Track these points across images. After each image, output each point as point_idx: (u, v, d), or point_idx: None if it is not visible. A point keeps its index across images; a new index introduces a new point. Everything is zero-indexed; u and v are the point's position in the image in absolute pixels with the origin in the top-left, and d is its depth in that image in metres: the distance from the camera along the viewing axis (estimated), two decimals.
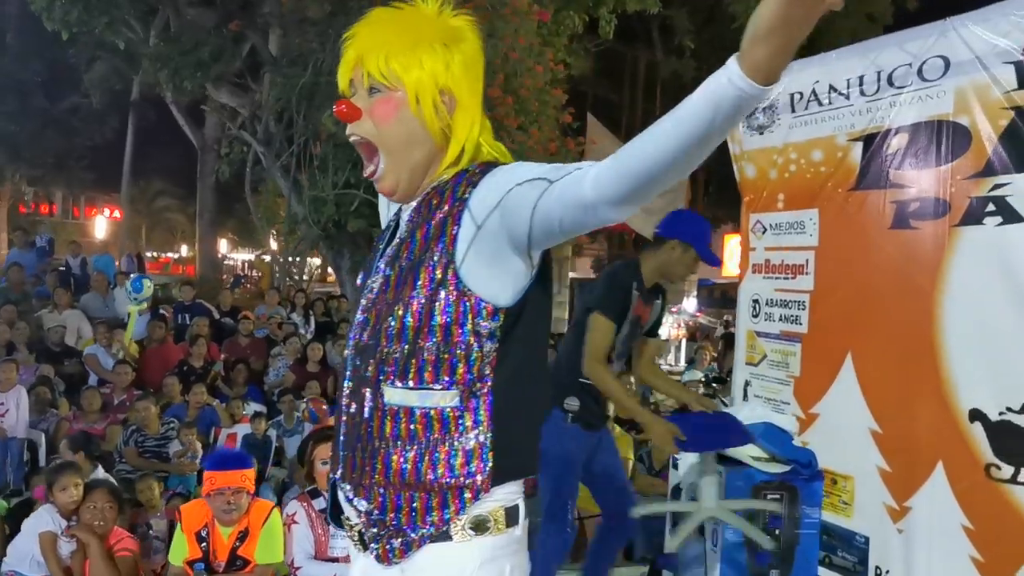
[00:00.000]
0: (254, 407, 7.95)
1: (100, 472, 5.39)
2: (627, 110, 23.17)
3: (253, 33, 12.39)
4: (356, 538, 1.73)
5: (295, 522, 4.46)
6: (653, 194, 1.42)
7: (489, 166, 1.66)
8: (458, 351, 1.60)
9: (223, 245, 28.84)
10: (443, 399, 1.61)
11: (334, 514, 1.83)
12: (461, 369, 1.60)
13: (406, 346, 1.60)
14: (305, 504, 4.50)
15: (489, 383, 1.62)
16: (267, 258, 20.38)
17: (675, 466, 4.03)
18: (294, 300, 11.83)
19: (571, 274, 17.05)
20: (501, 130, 9.85)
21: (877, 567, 3.58)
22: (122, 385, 7.89)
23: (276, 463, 7.26)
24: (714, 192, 22.51)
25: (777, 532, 3.70)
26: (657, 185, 1.39)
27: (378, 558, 1.67)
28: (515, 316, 1.61)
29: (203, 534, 4.16)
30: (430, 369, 1.60)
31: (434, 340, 1.59)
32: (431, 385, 1.60)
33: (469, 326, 1.59)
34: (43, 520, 4.26)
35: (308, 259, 18.79)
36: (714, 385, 7.18)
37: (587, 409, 3.83)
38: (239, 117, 13.19)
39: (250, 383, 8.69)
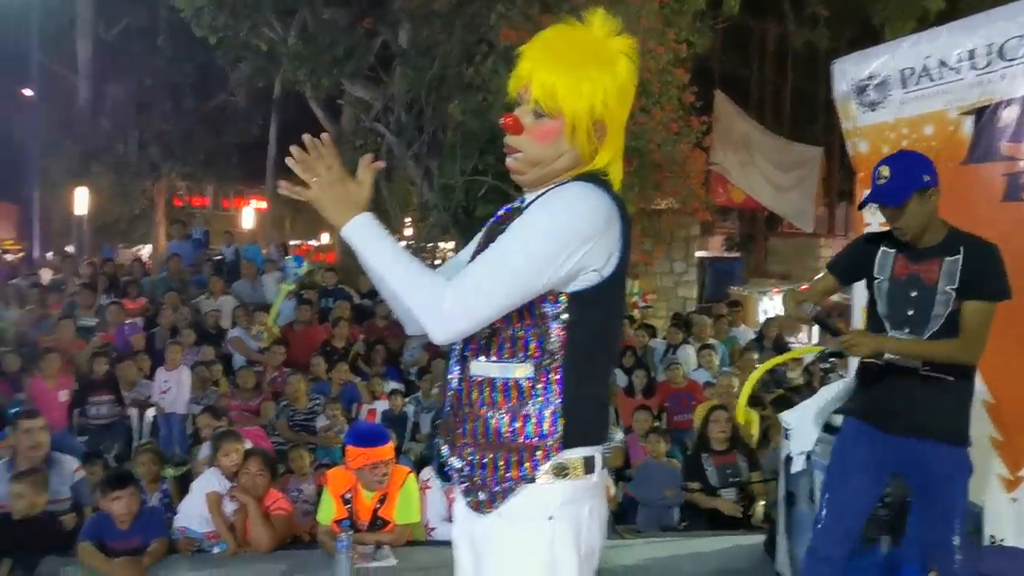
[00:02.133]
0: (392, 385, 8.44)
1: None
2: (756, 84, 22.69)
3: (384, 28, 12.91)
4: (457, 491, 2.02)
5: (429, 487, 4.83)
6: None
7: (562, 183, 1.90)
8: (530, 331, 1.85)
9: None
10: (519, 371, 1.87)
11: (441, 471, 2.12)
12: (533, 345, 1.86)
13: (488, 332, 1.88)
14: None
15: (559, 359, 1.86)
16: (402, 244, 21.09)
17: (787, 436, 4.14)
18: None
19: (699, 253, 16.94)
20: None
21: (991, 536, 3.62)
22: (274, 364, 8.51)
23: (412, 437, 7.72)
24: (848, 165, 21.77)
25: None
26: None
27: (471, 508, 1.95)
28: (579, 302, 1.85)
29: (348, 497, 4.57)
30: (508, 346, 1.87)
31: (509, 322, 1.85)
32: (508, 359, 1.87)
33: (537, 310, 1.84)
34: (209, 482, 4.77)
35: (440, 244, 19.36)
36: (831, 360, 7.16)
37: None
38: (372, 109, 13.76)
39: (387, 362, 9.18)
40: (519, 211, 1.94)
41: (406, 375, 9.11)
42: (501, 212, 2.10)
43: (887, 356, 3.05)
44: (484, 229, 2.10)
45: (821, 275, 3.47)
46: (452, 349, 2.01)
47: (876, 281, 3.21)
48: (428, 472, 4.94)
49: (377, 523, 4.58)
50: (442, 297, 1.74)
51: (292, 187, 1.89)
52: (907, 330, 3.10)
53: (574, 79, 1.83)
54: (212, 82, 21.24)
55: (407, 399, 8.07)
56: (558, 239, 1.77)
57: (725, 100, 16.56)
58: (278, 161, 25.23)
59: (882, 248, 3.22)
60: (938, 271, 3.06)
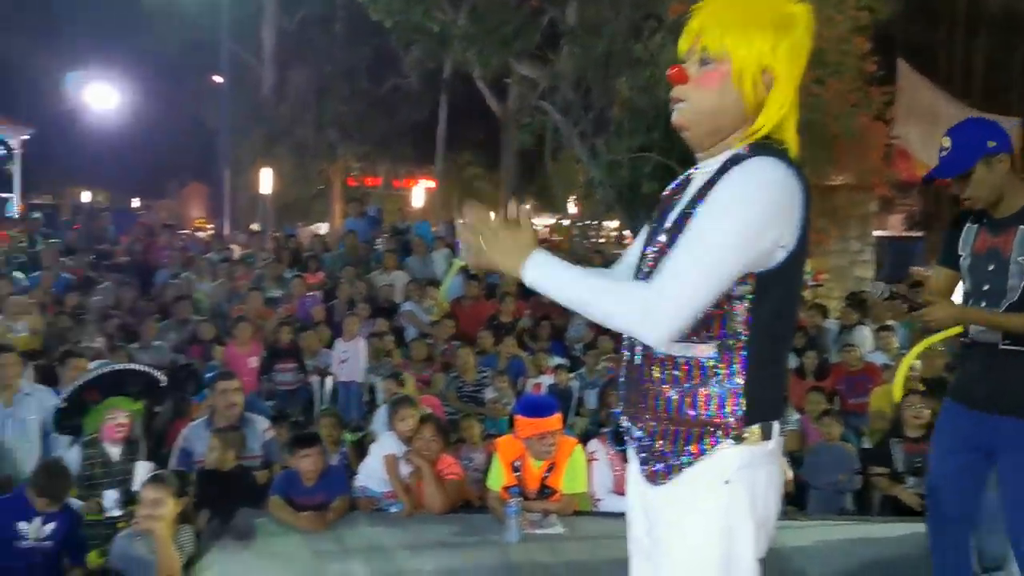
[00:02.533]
0: (557, 360, 8.54)
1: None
2: (945, 52, 21.30)
3: (551, 6, 12.98)
4: (634, 459, 2.05)
5: (595, 459, 4.88)
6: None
7: (742, 158, 1.86)
8: (714, 311, 1.84)
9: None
10: (702, 351, 1.87)
11: (618, 440, 2.16)
12: (717, 326, 1.85)
13: None
14: (604, 444, 4.90)
15: (743, 339, 1.85)
16: (566, 222, 21.21)
17: None
18: (592, 260, 12.35)
19: (876, 232, 16.13)
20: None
21: None
22: (443, 337, 8.79)
23: (576, 412, 7.80)
24: None
25: None
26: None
27: (647, 478, 1.97)
28: (764, 281, 1.83)
29: (517, 465, 4.69)
30: (690, 327, 1.84)
31: None
32: (692, 339, 1.87)
33: (723, 295, 1.82)
34: (387, 445, 5.01)
35: (605, 223, 19.32)
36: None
37: None
38: (539, 88, 13.88)
39: (553, 338, 9.30)
40: (696, 190, 1.92)
41: (571, 350, 9.19)
42: (668, 191, 2.09)
43: (971, 332, 3.00)
44: (656, 212, 2.08)
45: (932, 271, 3.38)
46: None
47: (961, 258, 3.13)
48: (594, 445, 4.99)
49: (544, 492, 4.67)
50: (644, 304, 1.76)
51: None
52: (983, 304, 3.01)
53: (743, 25, 1.84)
54: (386, 66, 22.00)
55: (572, 374, 8.14)
56: (754, 221, 1.76)
57: (909, 69, 15.59)
58: (447, 141, 25.94)
59: (967, 224, 3.12)
60: (1013, 241, 2.93)
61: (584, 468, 4.76)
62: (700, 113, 1.90)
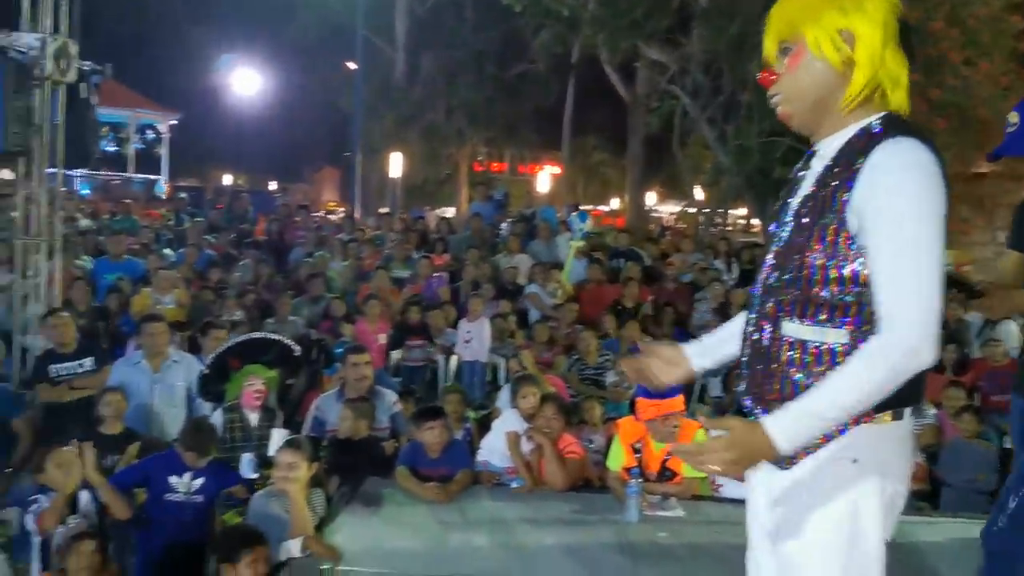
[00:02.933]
0: None
1: None
2: None
3: None
4: None
5: None
6: None
7: (879, 138, 1.82)
8: (849, 299, 1.82)
9: (651, 198, 30.05)
10: (835, 336, 1.85)
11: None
12: (853, 311, 1.83)
13: (800, 292, 1.87)
14: None
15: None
16: (692, 210, 20.89)
17: None
18: (717, 247, 12.14)
19: None
20: (943, 65, 9.17)
21: None
22: (567, 320, 8.83)
23: (699, 399, 7.71)
24: None
25: None
26: None
27: (773, 461, 1.91)
28: None
29: (637, 446, 4.69)
30: (825, 312, 1.84)
31: (828, 290, 1.84)
32: (824, 323, 1.85)
33: (860, 276, 1.81)
34: (509, 421, 5.09)
35: (733, 210, 18.95)
36: None
37: None
38: (668, 72, 13.70)
39: (676, 324, 9.20)
40: (823, 167, 1.92)
41: (695, 337, 9.07)
42: (794, 171, 2.07)
43: None
44: (783, 192, 2.06)
45: (1005, 255, 3.21)
46: (754, 303, 2.02)
47: None
48: (717, 432, 4.94)
49: (665, 474, 4.65)
50: (891, 353, 1.73)
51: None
52: None
53: (805, 4, 1.88)
54: (514, 51, 22.11)
55: None
56: (939, 207, 1.76)
57: None
58: (573, 126, 25.93)
59: None
60: None
61: None
62: (795, 95, 1.92)
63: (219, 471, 4.79)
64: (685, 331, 9.26)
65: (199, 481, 4.63)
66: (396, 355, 8.50)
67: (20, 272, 6.97)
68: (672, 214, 27.84)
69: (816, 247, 1.85)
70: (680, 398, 4.63)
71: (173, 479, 4.60)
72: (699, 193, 20.94)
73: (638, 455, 4.68)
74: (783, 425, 1.76)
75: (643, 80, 18.41)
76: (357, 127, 21.53)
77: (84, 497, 4.42)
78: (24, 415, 6.00)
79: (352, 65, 22.53)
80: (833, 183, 1.85)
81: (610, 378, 7.55)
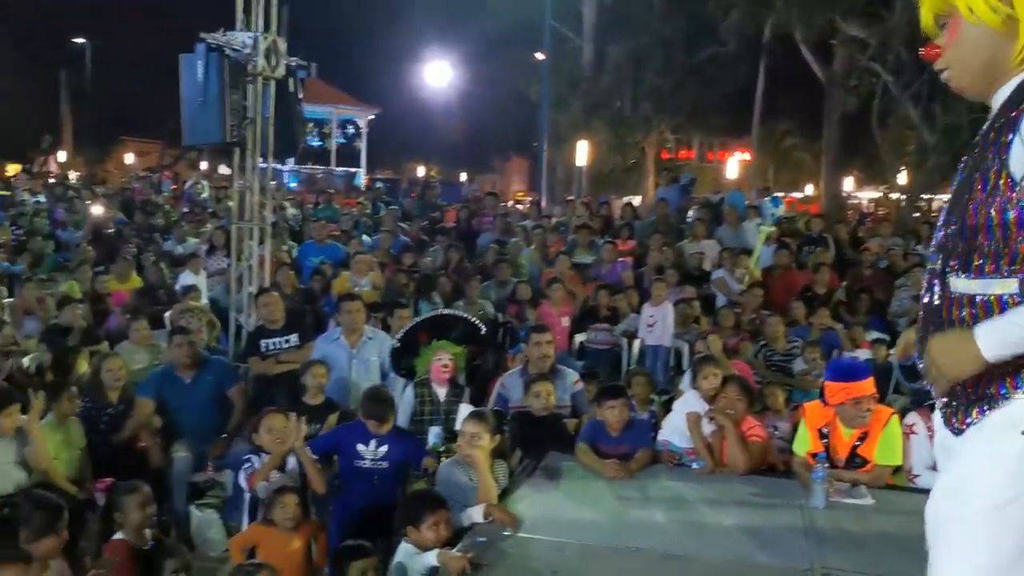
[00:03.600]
0: (875, 334, 8.06)
1: None
2: None
3: None
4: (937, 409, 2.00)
5: (914, 432, 4.59)
6: None
7: None
8: (1017, 246, 1.74)
9: (847, 183, 28.61)
10: (1002, 287, 1.78)
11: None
12: (1020, 260, 1.75)
13: (965, 243, 1.82)
14: (924, 417, 4.59)
15: None
16: (894, 195, 19.77)
17: None
18: (920, 232, 11.46)
19: None
20: None
21: None
22: (752, 306, 8.62)
23: (896, 390, 7.32)
24: None
25: None
26: None
27: (947, 426, 1.93)
28: None
29: (825, 431, 4.53)
30: (990, 262, 1.78)
31: (992, 238, 1.77)
32: (990, 275, 1.78)
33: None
34: (690, 402, 5.05)
35: (938, 195, 17.79)
36: None
37: None
38: (868, 48, 13.03)
39: (872, 312, 8.79)
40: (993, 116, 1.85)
41: (893, 325, 8.63)
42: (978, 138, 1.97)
43: None
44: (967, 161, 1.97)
45: None
46: (927, 265, 2.00)
47: None
48: (913, 417, 4.70)
49: (855, 461, 4.48)
50: None
51: None
52: None
53: None
54: (702, 34, 21.67)
55: (891, 350, 7.65)
56: None
57: None
58: (764, 110, 25.12)
59: None
60: None
61: (900, 440, 4.49)
62: (962, 66, 1.88)
63: (402, 440, 5.06)
64: (882, 319, 8.83)
65: (384, 448, 4.91)
66: (580, 338, 8.60)
67: (235, 256, 7.56)
68: (871, 200, 26.45)
69: (978, 193, 1.80)
70: (870, 381, 4.43)
71: (360, 446, 4.90)
72: (901, 177, 19.80)
73: (825, 440, 4.53)
74: (987, 328, 1.76)
75: (841, 58, 17.56)
76: (544, 117, 21.80)
77: (291, 461, 4.77)
78: (238, 385, 6.52)
79: (540, 56, 22.82)
80: (997, 126, 1.81)
81: (798, 366, 7.31)
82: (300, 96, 7.57)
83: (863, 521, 4.07)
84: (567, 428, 5.38)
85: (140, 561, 3.97)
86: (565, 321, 8.40)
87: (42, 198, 15.91)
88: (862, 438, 4.47)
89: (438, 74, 31.43)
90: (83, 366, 6.80)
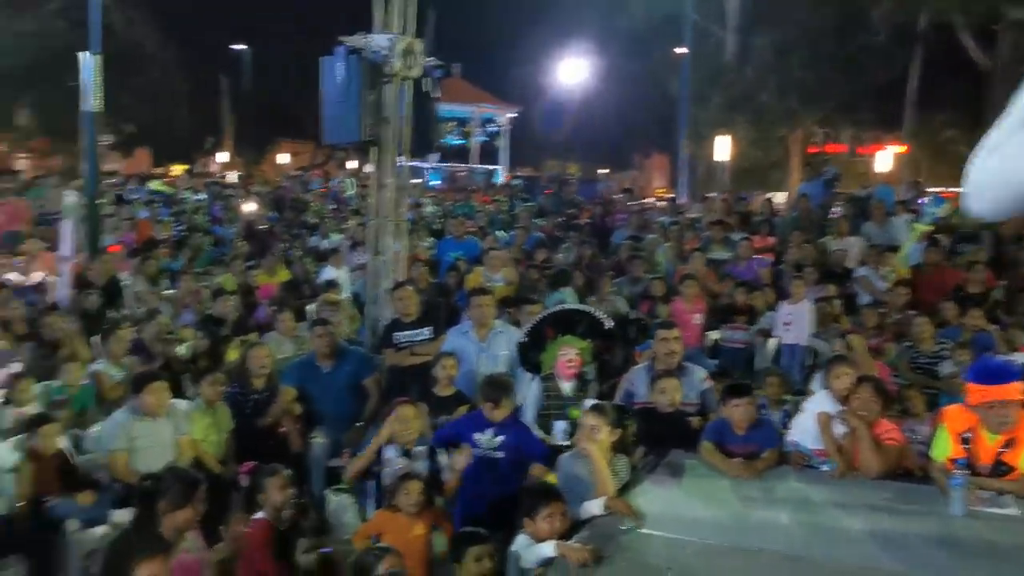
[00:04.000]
0: None
1: None
2: None
3: None
4: None
5: None
6: None
7: None
8: None
9: None
10: None
11: None
12: None
13: None
14: None
15: None
16: None
17: None
18: None
19: None
20: None
21: None
22: (898, 305, 8.24)
23: None
24: None
25: None
26: None
27: None
28: None
29: (966, 436, 4.29)
30: None
31: None
32: None
33: None
34: (821, 402, 4.88)
35: None
36: None
37: None
38: None
39: None
40: None
41: None
42: None
43: None
44: None
45: None
46: None
47: None
48: None
49: (1000, 469, 4.22)
50: None
51: None
52: None
53: None
54: (851, 24, 20.81)
55: None
56: None
57: None
58: (918, 101, 23.86)
59: None
60: None
61: None
62: None
63: (520, 431, 5.12)
64: None
65: (500, 438, 4.99)
66: (714, 336, 8.45)
67: (371, 251, 7.81)
68: None
69: None
70: (1018, 385, 4.15)
71: (477, 435, 5.01)
72: None
73: (967, 446, 4.29)
74: None
75: (1008, 44, 16.49)
76: (684, 112, 21.45)
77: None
78: (374, 376, 6.75)
79: (681, 50, 22.45)
80: None
81: (946, 368, 6.94)
82: (436, 96, 7.75)
83: (1006, 532, 3.84)
84: (692, 425, 5.30)
85: (278, 540, 4.19)
86: (697, 318, 8.27)
87: (202, 196, 16.91)
88: (1008, 444, 4.20)
89: (578, 71, 31.46)
90: (233, 355, 7.21)
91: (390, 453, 4.93)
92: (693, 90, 21.36)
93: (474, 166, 29.78)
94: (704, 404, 5.61)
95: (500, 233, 12.11)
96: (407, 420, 4.94)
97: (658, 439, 5.04)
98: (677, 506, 4.21)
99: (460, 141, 31.01)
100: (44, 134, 32.83)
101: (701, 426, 5.26)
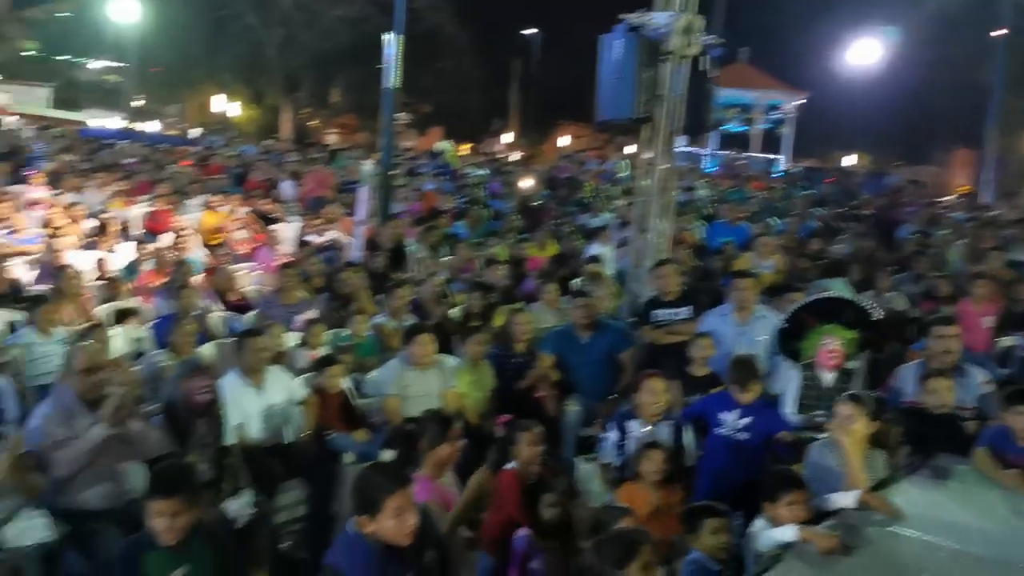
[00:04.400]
0: None
1: None
2: None
3: None
4: None
5: None
6: None
7: None
8: None
9: None
10: None
11: None
12: None
13: None
14: None
15: None
16: None
17: None
18: None
19: None
20: None
21: None
22: None
23: None
24: None
25: None
26: None
27: None
28: None
29: None
30: None
31: None
32: None
33: None
34: None
35: None
36: None
37: None
38: None
39: None
40: None
41: None
42: None
43: None
44: None
45: None
46: None
47: None
48: None
49: None
50: None
51: None
52: None
53: None
54: None
55: None
56: None
57: None
58: None
59: None
60: None
61: None
62: None
63: (771, 416, 4.99)
64: None
65: (745, 420, 4.90)
66: (1007, 342, 7.68)
67: (636, 228, 7.87)
68: None
69: None
70: None
71: (723, 415, 4.96)
72: None
73: None
74: None
75: None
76: (996, 101, 19.51)
77: (664, 430, 4.95)
78: (630, 350, 6.83)
79: (998, 32, 20.35)
80: None
81: None
82: (713, 75, 7.62)
83: None
84: (967, 430, 4.88)
85: (525, 492, 4.38)
86: (987, 321, 7.55)
87: (484, 172, 17.79)
88: None
89: (872, 57, 29.43)
90: (499, 320, 7.58)
91: (634, 425, 4.99)
92: (1009, 77, 19.35)
93: (754, 154, 28.88)
94: (983, 409, 5.15)
95: (774, 221, 11.71)
96: (655, 392, 4.97)
97: (925, 440, 4.71)
98: (938, 509, 3.93)
99: (742, 128, 30.18)
100: (352, 112, 36.00)
101: (977, 431, 4.84)
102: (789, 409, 5.45)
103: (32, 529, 3.85)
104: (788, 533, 3.58)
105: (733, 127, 28.92)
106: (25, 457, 4.04)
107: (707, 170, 22.65)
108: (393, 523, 3.05)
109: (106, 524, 4.09)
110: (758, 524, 3.80)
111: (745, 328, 6.41)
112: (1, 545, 3.65)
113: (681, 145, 7.67)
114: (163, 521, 3.29)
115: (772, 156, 28.71)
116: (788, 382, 5.67)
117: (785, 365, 6.06)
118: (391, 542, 3.09)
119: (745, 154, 28.48)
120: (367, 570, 3.03)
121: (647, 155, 7.69)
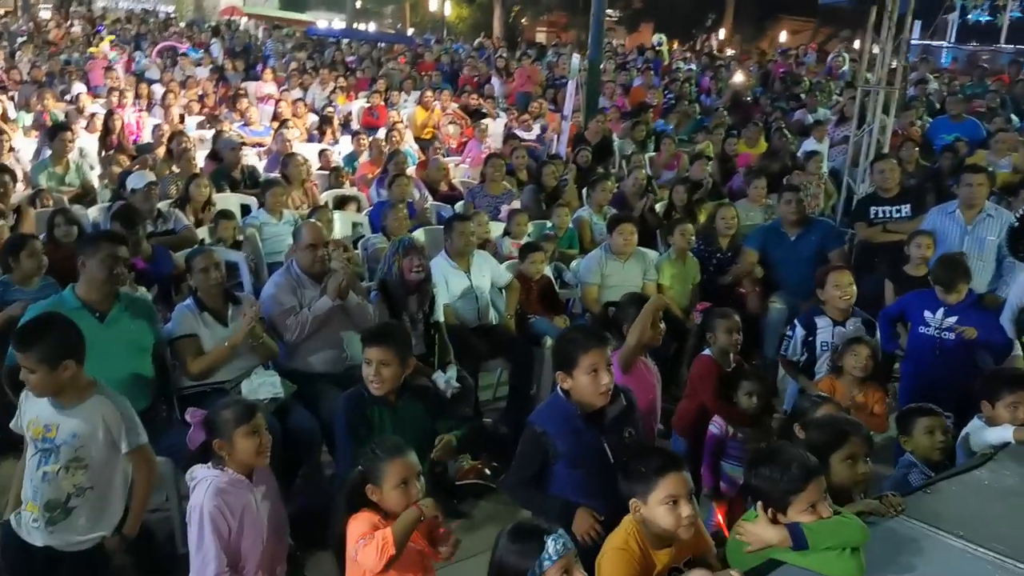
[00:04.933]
0: None
1: None
2: None
3: None
4: None
5: None
6: None
7: None
8: None
9: None
10: None
11: None
12: None
13: None
14: None
15: None
16: None
17: None
18: None
19: None
20: None
21: None
22: None
23: None
24: None
25: None
26: None
27: None
28: None
29: None
30: None
31: None
32: None
33: None
34: None
35: None
36: None
37: None
38: None
39: None
40: None
41: None
42: None
43: None
44: None
45: None
46: None
47: None
48: None
49: None
50: None
51: None
52: None
53: None
54: None
55: None
56: None
57: None
58: None
59: None
60: None
61: None
62: None
63: (981, 317, 4.72)
64: None
65: (951, 319, 4.64)
66: None
67: (856, 121, 7.43)
68: None
69: None
70: None
71: (927, 313, 4.71)
72: None
73: None
74: None
75: None
76: None
77: (852, 324, 4.77)
78: (840, 249, 6.51)
79: None
80: None
81: None
82: None
83: None
84: None
85: (722, 379, 4.36)
86: None
87: (693, 66, 17.19)
88: None
89: None
90: (703, 216, 7.46)
91: (822, 321, 4.81)
92: None
93: (1003, 46, 26.05)
94: None
95: (1014, 117, 10.64)
96: (841, 287, 4.74)
97: None
98: None
99: (987, 18, 27.25)
100: (562, 10, 35.63)
101: None
102: (1007, 313, 5.08)
103: (266, 386, 4.27)
104: (1007, 433, 3.40)
105: (976, 15, 26.17)
106: (261, 322, 4.47)
107: (943, 64, 20.76)
108: (587, 379, 3.11)
109: (328, 386, 4.47)
110: (975, 423, 3.62)
111: (972, 227, 5.97)
112: (241, 395, 4.07)
113: (914, 37, 7.07)
114: (373, 369, 3.54)
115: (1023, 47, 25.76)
116: (1016, 284, 5.26)
117: (1017, 268, 5.64)
118: (587, 401, 3.15)
119: (992, 48, 25.73)
120: (564, 429, 3.13)
121: (872, 46, 7.19)
